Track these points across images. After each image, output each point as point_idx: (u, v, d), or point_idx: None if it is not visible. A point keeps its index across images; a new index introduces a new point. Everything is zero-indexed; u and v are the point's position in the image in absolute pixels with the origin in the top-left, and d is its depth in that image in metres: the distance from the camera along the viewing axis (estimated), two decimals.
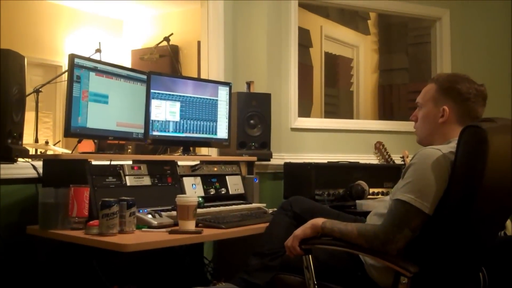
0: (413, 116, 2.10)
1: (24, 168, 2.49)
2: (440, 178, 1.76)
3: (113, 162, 2.49)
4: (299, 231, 2.01)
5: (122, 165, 2.47)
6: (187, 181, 2.73)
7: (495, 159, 1.70)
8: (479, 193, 1.71)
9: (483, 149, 1.68)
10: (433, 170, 1.77)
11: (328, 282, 2.00)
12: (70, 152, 2.97)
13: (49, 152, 3.43)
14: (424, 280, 1.78)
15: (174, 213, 2.33)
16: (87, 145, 3.16)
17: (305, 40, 5.15)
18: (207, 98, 3.04)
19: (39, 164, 2.51)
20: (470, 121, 1.87)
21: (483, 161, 1.68)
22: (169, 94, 2.87)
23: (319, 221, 1.98)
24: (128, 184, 2.45)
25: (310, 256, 1.98)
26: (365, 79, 6.24)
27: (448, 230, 1.76)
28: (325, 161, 3.49)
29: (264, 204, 2.93)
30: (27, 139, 2.89)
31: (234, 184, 2.97)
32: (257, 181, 3.10)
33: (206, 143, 3.17)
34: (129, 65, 6.11)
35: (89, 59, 2.51)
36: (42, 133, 5.08)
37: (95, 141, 2.72)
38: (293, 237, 2.02)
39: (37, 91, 3.73)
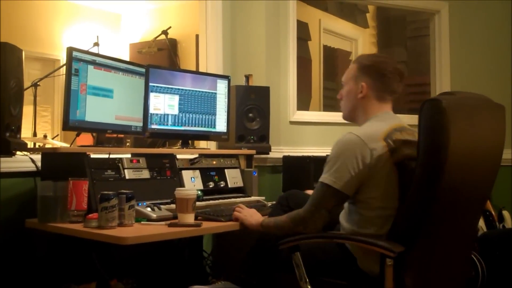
0: (339, 94, 2.22)
1: (22, 161, 2.49)
2: (355, 158, 1.86)
3: (112, 155, 2.49)
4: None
5: (121, 159, 2.47)
6: (186, 174, 2.72)
7: (457, 131, 1.71)
8: (446, 165, 1.69)
9: (442, 120, 1.69)
10: (348, 151, 1.89)
11: (323, 277, 2.01)
12: (68, 145, 2.97)
13: (47, 146, 3.43)
14: (409, 263, 1.76)
15: (173, 206, 2.32)
16: (86, 139, 3.15)
17: (303, 33, 5.14)
18: (205, 92, 3.04)
19: (37, 157, 2.50)
20: (388, 96, 2.06)
21: (445, 132, 1.69)
22: (168, 88, 2.86)
23: (259, 220, 2.14)
24: (127, 177, 2.45)
25: (298, 253, 1.98)
26: None
27: (420, 208, 1.76)
28: (324, 154, 3.44)
29: (263, 197, 2.93)
30: (26, 133, 2.89)
31: (233, 177, 2.97)
32: (256, 174, 3.10)
33: (205, 136, 3.17)
34: (127, 59, 6.09)
35: (87, 52, 2.51)
36: (41, 127, 5.06)
37: (94, 134, 2.72)
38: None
39: (35, 85, 3.74)
